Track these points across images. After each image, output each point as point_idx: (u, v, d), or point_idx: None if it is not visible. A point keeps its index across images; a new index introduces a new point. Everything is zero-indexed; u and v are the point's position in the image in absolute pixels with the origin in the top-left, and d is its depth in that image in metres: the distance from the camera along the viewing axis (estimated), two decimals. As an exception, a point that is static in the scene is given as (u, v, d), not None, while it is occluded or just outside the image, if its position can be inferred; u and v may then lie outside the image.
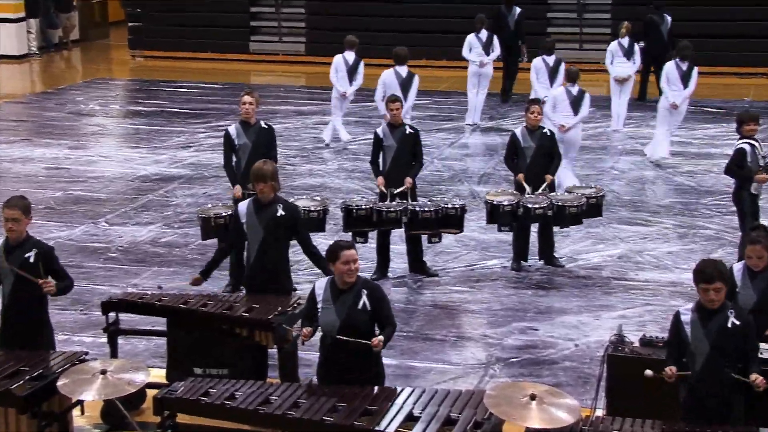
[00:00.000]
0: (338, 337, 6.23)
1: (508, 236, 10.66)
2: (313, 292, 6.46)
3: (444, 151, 15.48)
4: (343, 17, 23.17)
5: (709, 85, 17.88)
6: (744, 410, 5.91)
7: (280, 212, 7.60)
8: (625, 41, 16.38)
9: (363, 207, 9.97)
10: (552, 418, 5.45)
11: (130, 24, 24.91)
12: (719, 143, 15.63)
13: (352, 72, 15.19)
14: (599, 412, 6.59)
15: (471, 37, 16.79)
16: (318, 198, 10.47)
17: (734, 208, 10.14)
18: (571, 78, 12.81)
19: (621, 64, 16.34)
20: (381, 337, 6.24)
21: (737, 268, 6.88)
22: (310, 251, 7.71)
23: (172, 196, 13.19)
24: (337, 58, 15.36)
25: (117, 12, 27.65)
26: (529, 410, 5.49)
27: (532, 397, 5.54)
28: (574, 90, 12.68)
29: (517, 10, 18.17)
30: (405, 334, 8.88)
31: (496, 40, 16.87)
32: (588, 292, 9.82)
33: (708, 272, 5.84)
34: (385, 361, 8.11)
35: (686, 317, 5.93)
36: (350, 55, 15.26)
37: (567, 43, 21.53)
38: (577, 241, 11.21)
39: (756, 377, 5.75)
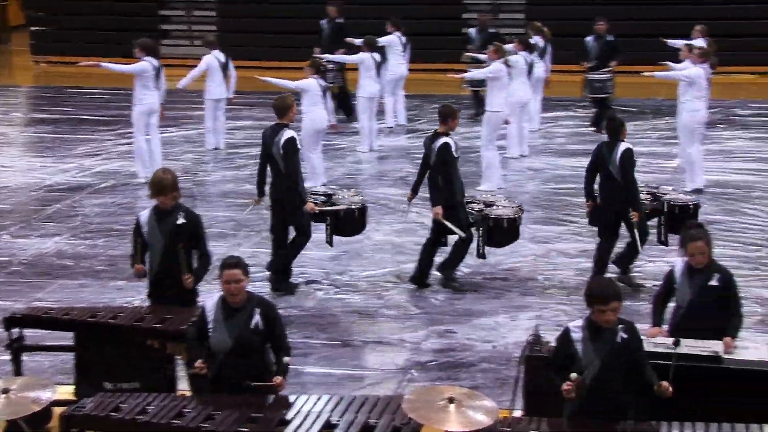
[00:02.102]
0: (253, 384, 6.06)
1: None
2: (203, 312, 6.29)
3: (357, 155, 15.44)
4: (255, 20, 23.03)
5: (625, 84, 18.14)
6: (645, 411, 5.91)
7: (182, 220, 7.43)
8: (539, 41, 16.56)
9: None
10: (470, 421, 5.44)
11: (32, 28, 24.29)
12: (633, 141, 15.82)
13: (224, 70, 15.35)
14: (517, 413, 6.57)
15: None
16: (355, 195, 10.57)
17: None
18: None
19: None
20: (279, 379, 6.08)
21: (678, 265, 6.92)
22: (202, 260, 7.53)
23: (79, 206, 12.84)
24: (209, 59, 15.26)
25: (17, 16, 26.95)
26: (447, 413, 5.47)
27: (450, 400, 5.51)
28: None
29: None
30: (322, 341, 8.76)
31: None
32: (505, 293, 9.83)
33: (604, 293, 5.80)
34: (303, 368, 8.03)
35: (576, 334, 5.88)
36: (221, 55, 15.34)
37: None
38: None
39: (662, 384, 5.75)
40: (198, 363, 6.23)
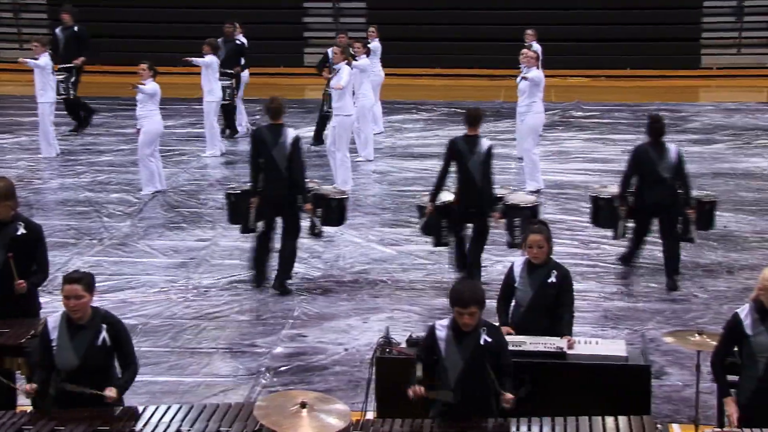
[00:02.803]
0: (69, 387, 5.83)
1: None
2: (45, 328, 6.01)
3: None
4: (95, 24, 22.42)
5: (461, 87, 18.56)
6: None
7: (21, 231, 7.11)
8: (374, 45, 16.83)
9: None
10: (323, 425, 5.40)
11: None
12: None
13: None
14: (370, 415, 6.58)
15: None
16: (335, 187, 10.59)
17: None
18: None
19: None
20: (113, 390, 5.86)
21: (517, 263, 7.03)
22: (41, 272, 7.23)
23: None
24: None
25: None
26: (299, 418, 5.41)
27: (303, 405, 5.46)
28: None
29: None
30: (171, 349, 8.57)
31: None
32: (356, 295, 9.85)
33: (464, 297, 5.84)
34: (152, 378, 7.83)
35: (441, 333, 5.94)
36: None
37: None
38: (342, 245, 11.25)
39: (506, 395, 5.81)
40: (27, 387, 5.99)
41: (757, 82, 22.31)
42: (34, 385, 5.98)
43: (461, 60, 22.71)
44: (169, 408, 5.92)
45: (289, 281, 9.93)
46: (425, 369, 5.94)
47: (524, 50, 14.21)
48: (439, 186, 9.77)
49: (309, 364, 8.34)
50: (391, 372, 6.58)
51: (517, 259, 7.11)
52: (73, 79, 16.19)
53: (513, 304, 7.07)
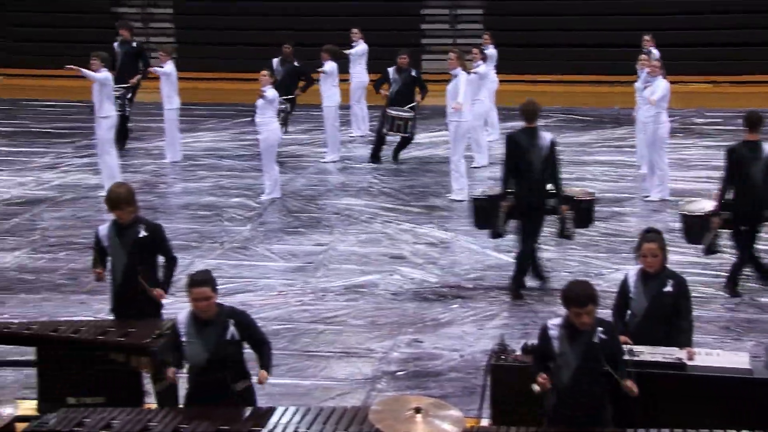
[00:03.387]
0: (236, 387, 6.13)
1: (388, 249, 10.63)
2: (175, 326, 6.25)
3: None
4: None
5: (577, 93, 18.35)
6: (613, 419, 5.93)
7: (143, 233, 7.35)
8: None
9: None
10: (437, 430, 5.41)
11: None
12: (593, 150, 16.03)
13: None
14: (484, 422, 6.56)
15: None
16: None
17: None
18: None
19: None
20: (264, 372, 6.16)
21: (631, 273, 6.94)
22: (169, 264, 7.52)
23: (38, 219, 12.69)
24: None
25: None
26: (414, 423, 5.45)
27: (417, 410, 5.50)
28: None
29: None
30: (290, 352, 8.71)
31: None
32: (471, 302, 9.83)
33: (581, 297, 5.81)
34: (271, 380, 7.97)
35: (554, 332, 5.91)
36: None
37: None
38: (458, 252, 11.23)
39: (628, 383, 5.78)
40: (170, 371, 6.17)
41: None
42: (173, 369, 6.18)
43: (577, 66, 22.43)
44: (286, 410, 6.03)
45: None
46: (536, 364, 5.95)
47: (643, 56, 13.92)
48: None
49: (424, 370, 8.37)
50: (507, 379, 6.55)
51: (632, 269, 7.01)
52: (129, 96, 15.91)
53: (629, 313, 6.96)
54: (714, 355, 6.65)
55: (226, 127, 18.49)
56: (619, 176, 14.46)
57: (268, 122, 13.23)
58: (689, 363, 6.44)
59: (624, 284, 6.95)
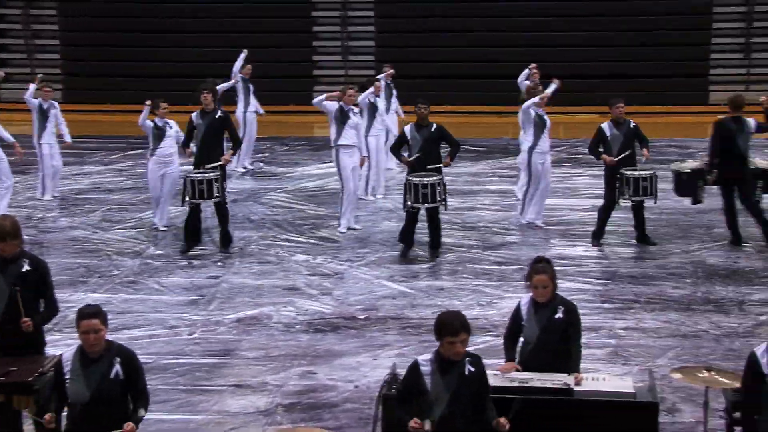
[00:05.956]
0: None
1: (281, 281, 10.54)
2: (60, 362, 6.08)
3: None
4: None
5: (471, 123, 18.62)
6: None
7: (26, 267, 7.16)
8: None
9: None
10: (333, 462, 5.39)
11: None
12: (481, 180, 16.27)
13: None
14: (378, 452, 6.56)
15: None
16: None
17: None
18: None
19: None
20: (131, 425, 5.88)
21: (524, 301, 7.01)
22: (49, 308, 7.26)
23: None
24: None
25: None
26: (310, 456, 5.41)
27: (311, 442, 5.46)
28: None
29: None
30: (182, 386, 8.57)
31: None
32: (365, 332, 9.85)
33: (454, 325, 5.82)
34: (162, 416, 7.81)
35: (425, 368, 5.89)
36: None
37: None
38: (352, 282, 11.26)
39: (500, 420, 5.83)
40: (47, 416, 6.00)
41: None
42: (52, 415, 5.99)
43: (469, 97, 22.83)
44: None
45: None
46: (402, 406, 5.90)
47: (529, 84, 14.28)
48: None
49: (319, 401, 8.33)
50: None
51: (524, 296, 7.09)
52: None
53: (521, 341, 7.05)
54: (600, 379, 6.81)
55: (114, 160, 18.18)
56: (509, 205, 14.71)
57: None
58: (576, 388, 6.57)
59: (517, 312, 7.01)
